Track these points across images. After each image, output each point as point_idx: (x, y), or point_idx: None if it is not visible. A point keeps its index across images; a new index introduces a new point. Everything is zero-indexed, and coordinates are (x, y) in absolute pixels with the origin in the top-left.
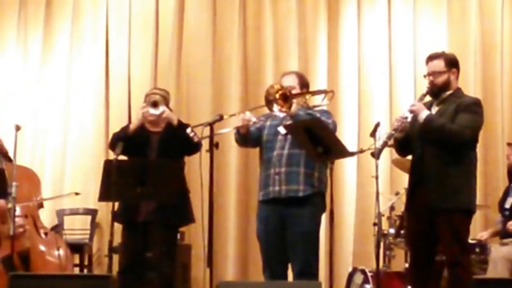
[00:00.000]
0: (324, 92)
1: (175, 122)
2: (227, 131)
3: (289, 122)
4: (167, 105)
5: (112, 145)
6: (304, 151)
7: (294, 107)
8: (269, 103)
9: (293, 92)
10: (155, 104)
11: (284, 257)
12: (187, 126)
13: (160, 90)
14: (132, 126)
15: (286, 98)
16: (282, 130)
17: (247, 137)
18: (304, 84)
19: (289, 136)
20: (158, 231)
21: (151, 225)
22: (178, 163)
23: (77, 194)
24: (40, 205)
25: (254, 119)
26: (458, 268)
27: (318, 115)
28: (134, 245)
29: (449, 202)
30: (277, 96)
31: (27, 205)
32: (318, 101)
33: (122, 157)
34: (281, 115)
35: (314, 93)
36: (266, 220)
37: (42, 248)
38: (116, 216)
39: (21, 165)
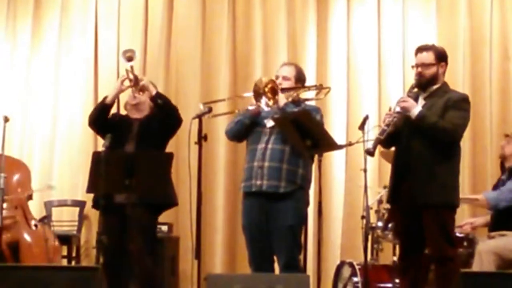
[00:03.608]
0: (318, 88)
1: (153, 92)
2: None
3: (277, 115)
4: None
5: (91, 120)
6: (289, 148)
7: (282, 101)
8: (258, 95)
9: (283, 85)
10: (130, 59)
11: (269, 250)
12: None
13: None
14: (110, 95)
15: (275, 92)
16: (268, 123)
17: (249, 125)
18: (300, 79)
19: (275, 130)
20: (137, 217)
21: (129, 210)
22: (167, 154)
23: (50, 187)
24: (29, 197)
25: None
26: (448, 263)
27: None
28: (115, 235)
29: (436, 197)
30: (266, 89)
31: (17, 197)
32: (311, 95)
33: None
34: (267, 109)
35: (305, 88)
36: (250, 213)
37: (31, 239)
38: (93, 203)
39: (11, 156)
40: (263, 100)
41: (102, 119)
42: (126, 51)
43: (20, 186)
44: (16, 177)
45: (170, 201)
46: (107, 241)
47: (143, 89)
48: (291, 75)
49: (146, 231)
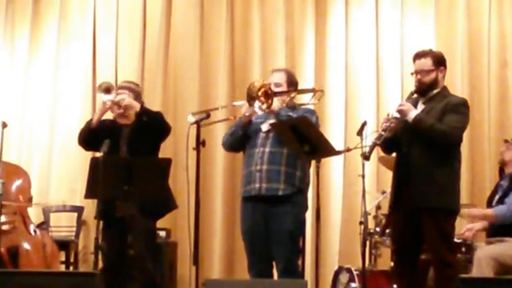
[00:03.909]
0: (311, 91)
1: (137, 108)
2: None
3: (272, 120)
4: (137, 98)
5: (80, 141)
6: (286, 150)
7: (276, 106)
8: (251, 99)
9: (276, 90)
10: (107, 90)
11: (269, 255)
12: (151, 111)
13: (129, 83)
14: (95, 118)
15: (268, 95)
16: (264, 127)
17: (242, 135)
18: (292, 82)
19: (271, 134)
20: (137, 223)
21: (129, 218)
22: (165, 159)
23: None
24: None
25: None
26: (447, 268)
27: (300, 113)
28: (115, 241)
29: (435, 202)
30: (260, 93)
31: (19, 205)
32: (306, 99)
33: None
34: (260, 112)
35: (299, 91)
36: (249, 218)
37: (30, 245)
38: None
39: (11, 162)
40: (256, 103)
41: (89, 139)
42: (100, 85)
43: (21, 193)
44: (16, 183)
45: (169, 205)
46: (106, 247)
47: (126, 109)
48: (282, 81)
49: (146, 236)
